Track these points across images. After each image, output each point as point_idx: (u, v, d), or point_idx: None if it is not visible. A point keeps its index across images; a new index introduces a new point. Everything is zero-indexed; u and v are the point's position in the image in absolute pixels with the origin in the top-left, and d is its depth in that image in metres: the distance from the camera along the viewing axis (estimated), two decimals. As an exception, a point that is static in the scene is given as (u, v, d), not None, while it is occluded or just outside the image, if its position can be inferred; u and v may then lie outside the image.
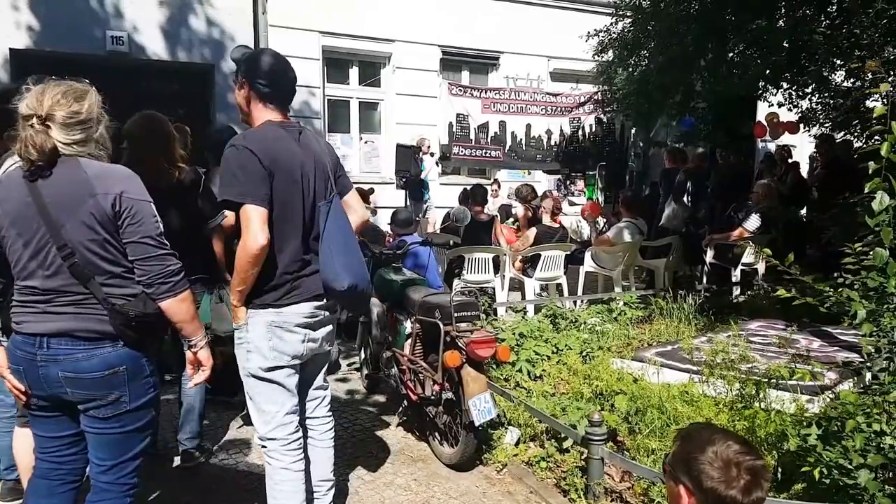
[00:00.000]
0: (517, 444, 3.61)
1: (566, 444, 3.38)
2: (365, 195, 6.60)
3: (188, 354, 2.22)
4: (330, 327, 2.66)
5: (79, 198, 1.94)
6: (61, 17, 8.48)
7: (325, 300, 2.53)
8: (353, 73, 10.83)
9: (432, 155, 10.33)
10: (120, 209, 1.97)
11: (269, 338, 2.43)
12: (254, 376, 2.47)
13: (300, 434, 2.57)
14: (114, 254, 2.00)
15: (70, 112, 1.99)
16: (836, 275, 2.74)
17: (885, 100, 2.40)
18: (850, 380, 3.84)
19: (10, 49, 8.34)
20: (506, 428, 3.71)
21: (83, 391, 2.03)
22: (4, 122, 2.31)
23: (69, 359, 2.01)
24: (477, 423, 3.28)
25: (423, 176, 9.89)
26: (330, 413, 2.81)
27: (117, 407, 2.07)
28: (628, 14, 8.62)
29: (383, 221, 7.67)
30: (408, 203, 9.15)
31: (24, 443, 2.76)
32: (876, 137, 2.45)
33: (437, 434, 3.69)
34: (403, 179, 9.25)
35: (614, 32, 8.90)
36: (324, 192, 2.52)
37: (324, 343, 2.63)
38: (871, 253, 2.37)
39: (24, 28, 8.41)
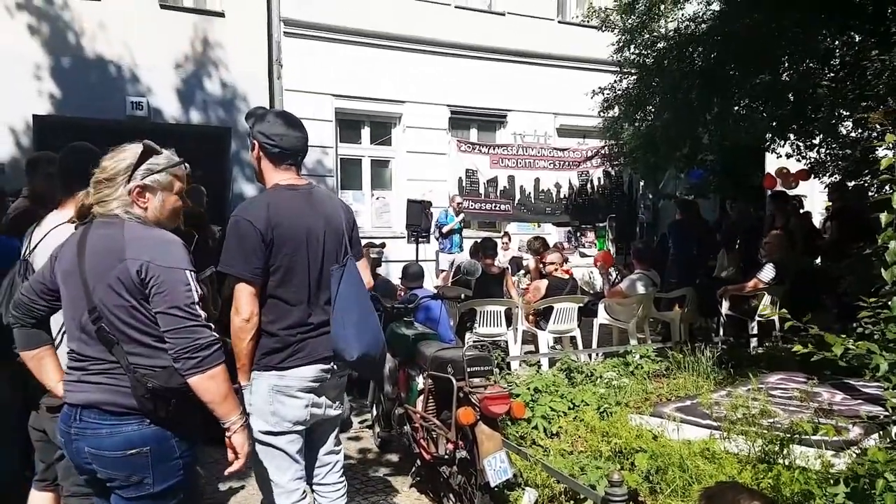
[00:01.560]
0: (534, 505, 3.50)
1: (585, 505, 3.28)
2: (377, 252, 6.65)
3: (227, 438, 2.03)
4: (338, 389, 2.61)
5: (110, 261, 1.91)
6: (82, 83, 8.81)
7: (332, 363, 2.48)
8: (365, 132, 11.08)
9: (460, 212, 10.44)
10: (146, 277, 1.89)
11: (271, 402, 2.39)
12: (256, 440, 2.40)
13: (307, 501, 2.51)
14: (143, 322, 1.92)
15: (98, 169, 2.01)
16: (854, 325, 2.69)
17: (891, 150, 2.42)
18: (876, 434, 3.73)
19: (34, 115, 8.63)
20: (523, 489, 3.60)
21: (106, 469, 1.93)
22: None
23: (95, 434, 1.91)
24: (493, 484, 3.20)
25: (448, 228, 10.05)
26: (342, 479, 2.70)
27: (139, 489, 1.94)
28: (632, 71, 8.81)
29: (394, 275, 7.69)
30: (418, 257, 9.20)
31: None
32: (887, 188, 2.45)
33: (451, 495, 3.60)
34: (414, 234, 9.34)
35: (619, 89, 9.08)
36: (335, 252, 2.50)
37: (330, 408, 2.55)
38: (890, 303, 2.34)
39: (46, 95, 8.73)
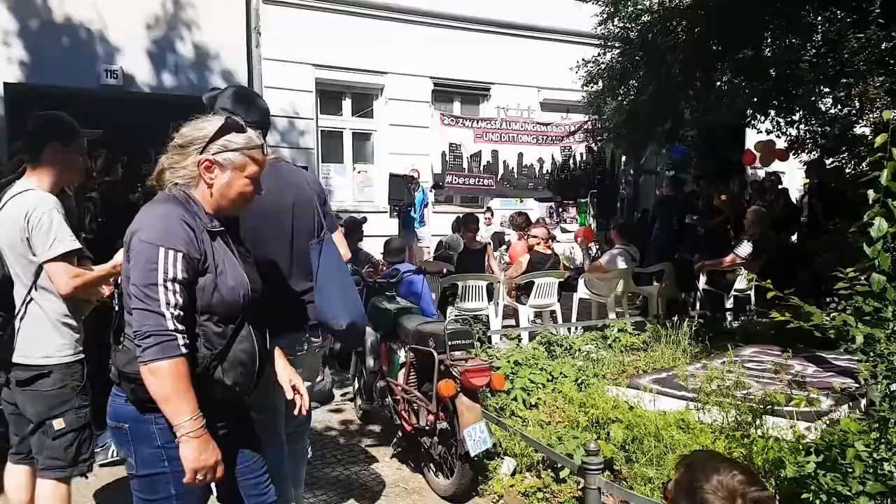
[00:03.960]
0: (513, 474, 3.56)
1: (563, 474, 3.33)
2: (358, 224, 6.61)
3: None
4: (314, 363, 2.63)
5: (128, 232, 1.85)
6: (54, 50, 8.56)
7: (306, 333, 2.51)
8: (346, 104, 10.93)
9: (418, 183, 10.29)
10: (128, 248, 1.79)
11: None
12: None
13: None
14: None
15: (177, 134, 1.93)
16: (828, 300, 2.74)
17: (878, 126, 2.44)
18: (846, 405, 3.82)
19: (4, 83, 8.38)
20: (501, 458, 3.66)
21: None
22: None
23: (111, 400, 1.89)
24: (472, 454, 3.24)
25: (417, 203, 9.97)
26: (308, 446, 2.82)
27: (129, 467, 1.87)
28: (616, 45, 8.76)
29: (375, 250, 7.67)
30: (400, 232, 9.17)
31: (14, 479, 2.71)
32: (864, 166, 2.48)
33: (432, 465, 3.64)
34: (396, 209, 9.30)
35: (603, 63, 9.03)
36: (307, 225, 2.51)
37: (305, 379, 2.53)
38: (868, 278, 2.38)
39: (17, 62, 8.46)
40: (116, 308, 1.89)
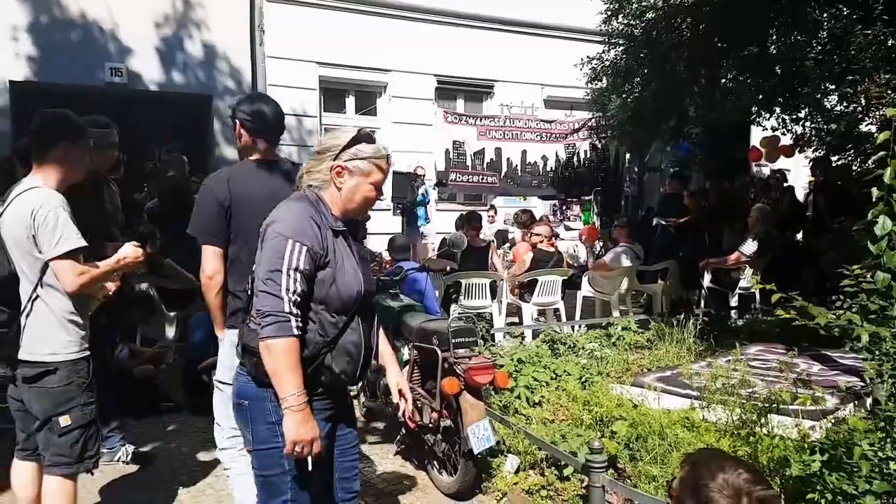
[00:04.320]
0: (517, 472, 3.55)
1: (566, 472, 3.33)
2: (361, 221, 6.60)
3: None
4: None
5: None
6: (60, 49, 8.58)
7: None
8: (350, 102, 10.93)
9: (422, 181, 10.32)
10: (262, 237, 2.00)
11: (232, 356, 2.52)
12: (215, 386, 2.72)
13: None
14: None
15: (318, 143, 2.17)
16: (832, 298, 2.73)
17: (884, 123, 2.43)
18: (852, 404, 3.81)
19: (11, 81, 8.40)
20: (505, 456, 3.66)
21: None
22: None
23: (236, 378, 2.08)
24: (476, 451, 3.24)
25: (415, 198, 9.98)
26: None
27: (247, 442, 2.07)
28: (620, 42, 8.73)
29: (380, 247, 7.66)
30: (404, 229, 9.17)
31: (20, 475, 2.72)
32: (871, 163, 2.47)
33: (435, 462, 3.64)
34: (400, 206, 9.30)
35: (607, 60, 9.00)
36: None
37: None
38: (873, 276, 2.37)
39: (24, 60, 8.49)
40: (248, 292, 2.09)
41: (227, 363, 2.63)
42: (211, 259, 2.64)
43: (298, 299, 1.90)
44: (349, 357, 2.02)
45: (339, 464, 2.19)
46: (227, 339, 2.65)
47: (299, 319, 1.90)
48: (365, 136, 2.12)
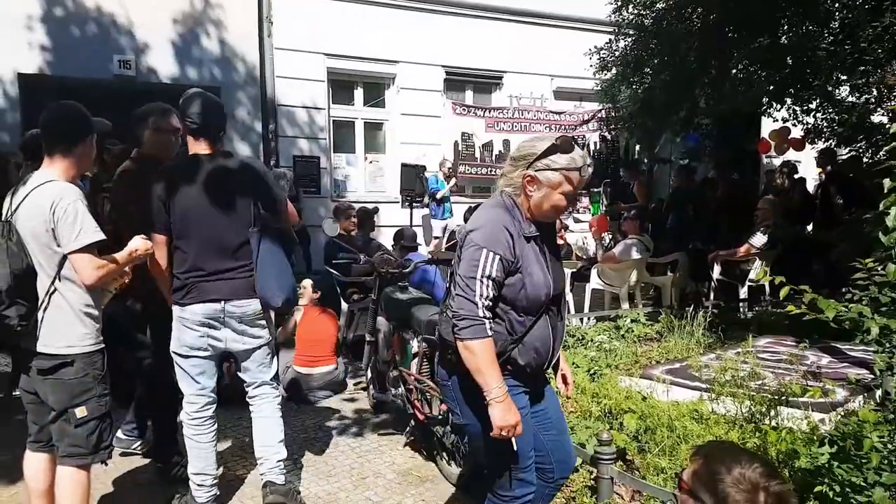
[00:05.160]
0: (526, 463, 3.57)
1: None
2: (370, 214, 6.62)
3: None
4: (245, 327, 3.00)
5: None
6: (69, 41, 8.61)
7: (223, 304, 2.93)
8: (358, 94, 10.92)
9: (450, 177, 10.49)
10: (462, 244, 2.17)
11: (176, 329, 2.99)
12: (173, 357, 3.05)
13: (206, 414, 3.06)
14: None
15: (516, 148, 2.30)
16: (843, 290, 2.72)
17: (894, 114, 2.41)
18: (861, 396, 3.80)
19: (18, 73, 8.45)
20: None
21: None
22: None
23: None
24: (485, 443, 3.25)
25: (441, 195, 10.05)
26: (265, 394, 3.17)
27: (456, 417, 2.39)
28: (630, 32, 8.68)
29: (388, 240, 7.67)
30: (412, 222, 9.17)
31: (33, 466, 2.75)
32: (882, 154, 2.45)
33: (444, 454, 3.66)
34: (408, 199, 9.31)
35: (617, 51, 8.95)
36: (240, 210, 2.93)
37: (236, 342, 3.01)
38: (884, 268, 2.36)
39: (33, 52, 8.52)
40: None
41: (175, 335, 2.99)
42: (157, 245, 2.94)
43: (490, 303, 2.10)
44: (535, 353, 2.21)
45: (549, 437, 2.39)
46: (175, 313, 2.98)
47: (491, 321, 2.10)
48: (563, 145, 2.16)
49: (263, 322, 3.09)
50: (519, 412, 2.11)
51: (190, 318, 2.93)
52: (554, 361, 2.39)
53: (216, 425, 3.15)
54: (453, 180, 10.48)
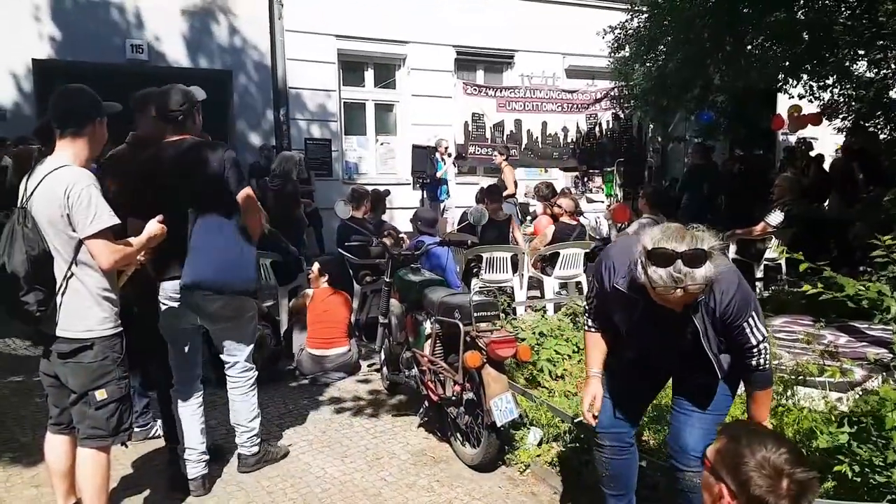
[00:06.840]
0: (540, 444, 3.58)
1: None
2: (381, 196, 6.61)
3: None
4: (212, 310, 3.10)
5: None
6: (82, 26, 8.63)
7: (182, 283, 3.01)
8: (369, 75, 10.87)
9: (450, 156, 10.36)
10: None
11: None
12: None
13: (191, 388, 3.23)
14: None
15: None
16: (861, 269, 2.68)
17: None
18: (880, 376, 3.76)
19: (33, 59, 8.48)
20: (528, 428, 3.68)
21: None
22: None
23: None
24: (499, 424, 3.26)
25: (439, 175, 9.91)
26: (241, 376, 3.34)
27: None
28: (644, 10, 8.54)
29: (400, 222, 7.67)
30: (425, 203, 9.16)
31: (55, 448, 2.79)
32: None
33: (458, 435, 3.68)
34: (420, 180, 9.27)
35: (630, 28, 8.82)
36: (199, 196, 3.01)
37: (209, 320, 3.17)
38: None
39: (46, 38, 8.55)
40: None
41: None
42: (134, 229, 2.93)
43: (594, 311, 2.61)
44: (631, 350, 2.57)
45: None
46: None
47: (595, 321, 2.61)
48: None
49: (221, 302, 3.15)
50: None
51: (163, 294, 3.15)
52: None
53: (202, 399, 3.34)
54: (450, 160, 10.34)
